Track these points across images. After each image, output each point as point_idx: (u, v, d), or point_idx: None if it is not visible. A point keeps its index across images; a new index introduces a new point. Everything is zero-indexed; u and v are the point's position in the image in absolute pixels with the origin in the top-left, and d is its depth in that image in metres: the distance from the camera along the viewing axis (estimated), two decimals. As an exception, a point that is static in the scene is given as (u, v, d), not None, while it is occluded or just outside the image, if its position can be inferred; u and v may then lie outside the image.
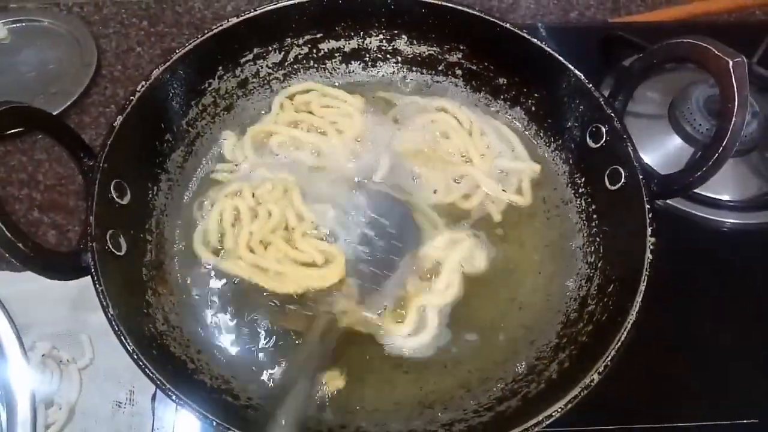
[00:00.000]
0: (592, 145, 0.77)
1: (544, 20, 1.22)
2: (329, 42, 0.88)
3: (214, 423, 0.56)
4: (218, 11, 1.21)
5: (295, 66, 0.89)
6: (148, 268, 0.72)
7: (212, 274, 0.74)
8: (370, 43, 0.89)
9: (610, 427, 0.77)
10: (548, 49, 0.78)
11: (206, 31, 0.78)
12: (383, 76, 0.92)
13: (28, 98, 1.02)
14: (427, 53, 0.89)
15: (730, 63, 0.62)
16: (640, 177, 0.69)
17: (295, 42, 0.87)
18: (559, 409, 0.57)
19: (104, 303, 0.59)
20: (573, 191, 0.81)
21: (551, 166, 0.84)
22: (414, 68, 0.91)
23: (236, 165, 0.82)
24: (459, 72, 0.89)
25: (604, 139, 0.75)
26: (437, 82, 0.91)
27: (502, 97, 0.88)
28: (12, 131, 0.98)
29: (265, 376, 0.68)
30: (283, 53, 0.87)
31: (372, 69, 0.92)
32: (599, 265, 0.74)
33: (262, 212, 0.77)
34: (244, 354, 0.70)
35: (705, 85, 0.97)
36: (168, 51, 0.77)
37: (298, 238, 0.75)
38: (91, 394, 0.80)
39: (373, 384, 0.69)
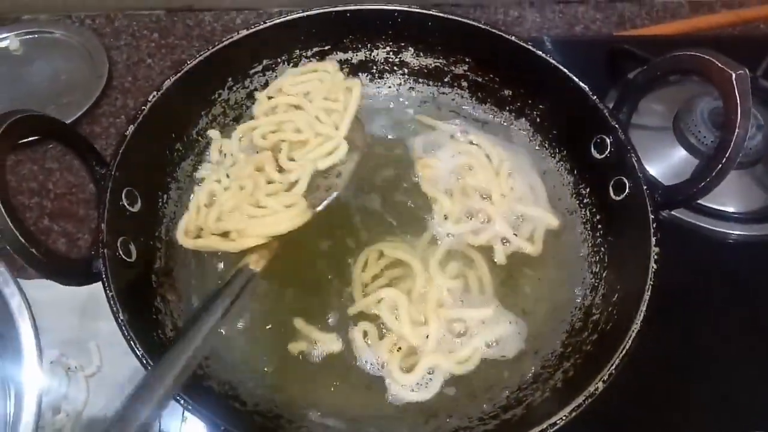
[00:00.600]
0: (597, 156, 0.77)
1: (549, 34, 1.23)
2: (337, 54, 0.89)
3: (222, 428, 0.57)
4: (228, 24, 1.22)
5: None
6: (158, 275, 0.73)
7: (219, 282, 0.75)
8: (378, 55, 0.91)
9: (615, 438, 0.77)
10: (553, 61, 0.79)
11: (217, 43, 0.79)
12: (390, 87, 0.93)
13: (40, 109, 0.99)
14: (433, 65, 0.90)
15: (733, 75, 0.63)
16: (644, 187, 0.69)
17: (304, 54, 0.88)
18: (564, 417, 0.57)
19: (114, 308, 0.60)
20: (578, 202, 0.82)
21: (556, 177, 0.85)
22: (420, 80, 0.92)
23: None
24: (465, 84, 0.90)
25: (608, 150, 0.75)
26: (443, 93, 0.92)
27: (507, 108, 0.89)
28: (26, 140, 1.00)
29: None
30: (291, 65, 0.88)
31: (379, 81, 0.93)
32: (604, 274, 0.74)
33: (233, 186, 0.76)
34: (252, 360, 0.71)
35: (709, 98, 0.98)
36: (178, 63, 0.78)
37: (262, 198, 0.73)
38: (98, 402, 0.80)
39: (377, 390, 0.70)
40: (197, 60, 0.78)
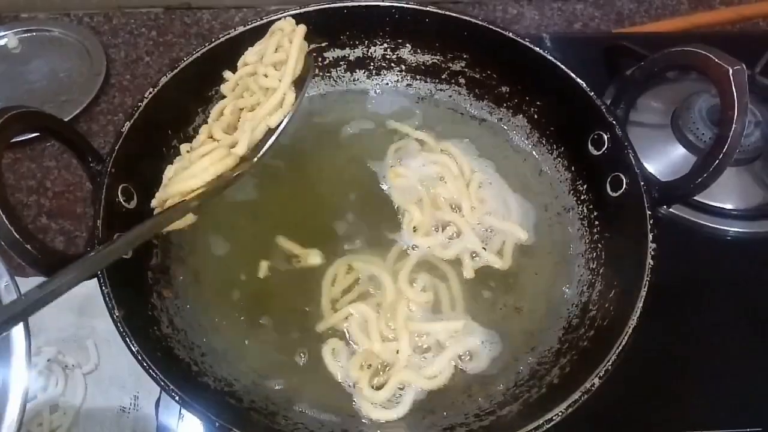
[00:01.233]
0: (594, 152, 0.77)
1: (548, 31, 1.23)
2: (334, 51, 0.90)
3: (218, 424, 0.56)
4: (226, 22, 1.22)
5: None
6: (154, 272, 0.73)
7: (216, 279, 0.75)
8: (375, 51, 0.90)
9: (612, 435, 0.77)
10: (550, 58, 0.79)
11: (213, 40, 0.79)
12: (387, 84, 0.93)
13: (38, 107, 1.01)
14: (430, 62, 0.90)
15: (730, 70, 0.63)
16: (642, 184, 0.69)
17: (300, 50, 0.88)
18: (560, 413, 0.57)
19: (110, 305, 0.60)
20: (575, 198, 0.82)
21: (553, 174, 0.85)
22: (418, 77, 0.92)
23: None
24: (462, 80, 0.90)
25: (605, 147, 0.75)
26: (441, 90, 0.92)
27: (504, 105, 0.89)
28: (23, 137, 1.00)
29: (268, 379, 0.69)
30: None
31: (376, 77, 0.93)
32: (601, 271, 0.74)
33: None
34: (248, 357, 0.71)
35: (708, 95, 0.97)
36: (176, 61, 0.77)
37: (196, 158, 0.67)
38: (96, 399, 0.80)
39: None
40: (194, 57, 0.78)
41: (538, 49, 0.80)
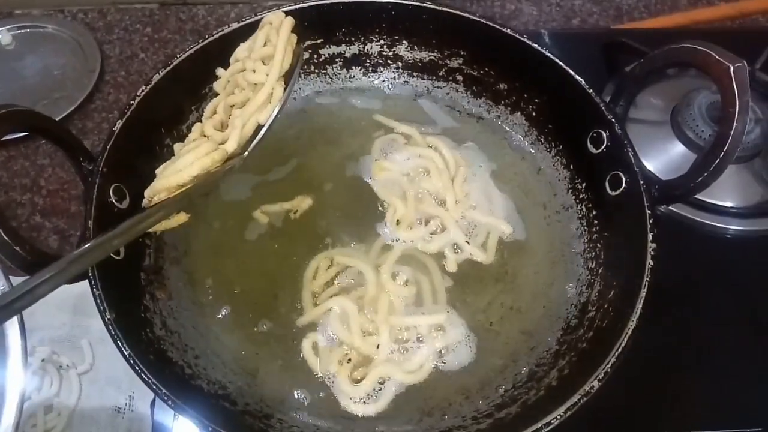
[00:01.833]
0: (593, 150, 0.77)
1: (546, 27, 1.22)
2: (330, 47, 0.89)
3: (211, 429, 0.56)
4: (222, 18, 1.21)
5: (295, 71, 0.89)
6: (147, 273, 0.72)
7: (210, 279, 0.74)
8: (371, 48, 0.90)
9: (612, 436, 0.76)
10: (549, 55, 0.78)
11: (207, 36, 0.78)
12: (384, 81, 0.92)
13: (32, 103, 1.03)
14: (427, 59, 0.89)
15: (731, 68, 0.62)
16: (641, 182, 0.68)
17: (296, 47, 0.87)
18: (559, 416, 0.57)
19: (101, 307, 0.59)
20: (573, 197, 0.81)
21: (552, 172, 0.84)
22: (415, 74, 0.91)
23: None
24: (460, 77, 0.89)
25: (605, 145, 0.75)
26: (438, 87, 0.91)
27: (503, 102, 0.88)
28: (14, 136, 0.99)
29: (260, 379, 0.69)
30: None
31: (373, 74, 0.92)
32: (600, 271, 0.73)
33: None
34: (242, 359, 0.70)
35: (707, 91, 0.97)
36: (171, 57, 0.77)
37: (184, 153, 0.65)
38: (91, 400, 0.80)
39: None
40: (187, 54, 0.77)
41: (536, 45, 0.79)
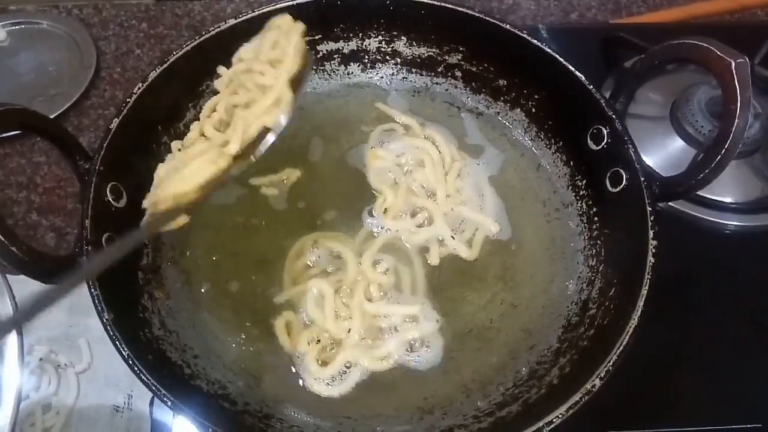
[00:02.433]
0: (593, 147, 0.76)
1: (544, 22, 1.22)
2: (328, 43, 0.88)
3: (211, 430, 0.55)
4: (218, 13, 1.20)
5: (293, 68, 0.88)
6: (145, 272, 0.72)
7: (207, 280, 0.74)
8: (369, 44, 0.89)
9: (612, 432, 0.76)
10: (548, 50, 0.77)
11: (204, 33, 0.78)
12: (382, 77, 0.91)
13: (27, 101, 1.02)
14: (426, 55, 0.89)
15: (733, 63, 0.61)
16: (642, 179, 0.68)
17: (294, 43, 0.86)
18: (560, 415, 0.57)
19: (99, 308, 0.59)
20: (574, 194, 0.81)
21: (552, 169, 0.84)
22: (413, 70, 0.91)
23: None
24: (459, 73, 0.89)
25: (605, 141, 0.74)
26: (437, 83, 0.90)
27: (502, 98, 0.87)
28: (8, 134, 0.98)
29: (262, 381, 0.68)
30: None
31: (371, 71, 0.91)
32: (600, 268, 0.73)
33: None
34: (242, 359, 0.70)
35: (707, 87, 0.96)
36: (167, 53, 0.76)
37: (188, 159, 0.63)
38: (89, 399, 0.79)
39: (374, 389, 0.69)
40: (184, 50, 0.76)
41: (536, 41, 0.78)
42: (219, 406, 0.63)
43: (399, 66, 0.91)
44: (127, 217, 0.69)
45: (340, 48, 0.89)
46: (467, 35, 0.84)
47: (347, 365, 0.69)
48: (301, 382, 0.68)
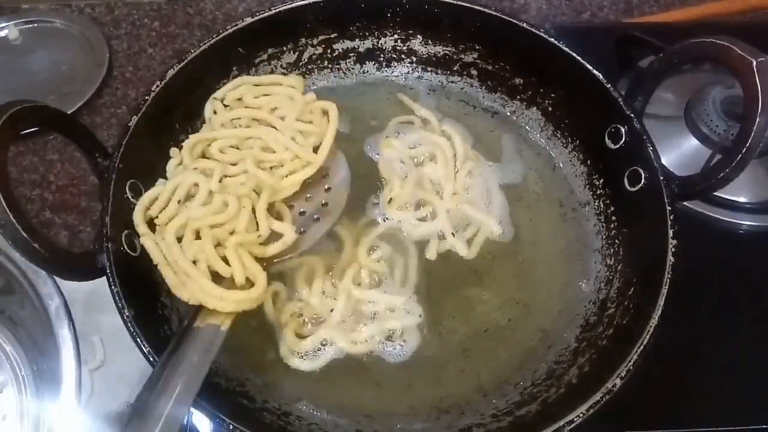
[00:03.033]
0: (611, 146, 0.76)
1: (556, 21, 1.22)
2: (344, 42, 0.88)
3: (231, 427, 0.55)
4: (230, 12, 1.20)
5: (309, 66, 0.89)
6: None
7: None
8: (385, 43, 0.89)
9: (626, 432, 0.76)
10: (566, 49, 0.77)
11: (221, 31, 0.78)
12: (398, 76, 0.91)
13: (40, 99, 0.99)
14: (442, 53, 0.89)
15: (754, 63, 0.61)
16: (661, 179, 0.68)
17: (310, 42, 0.86)
18: (581, 414, 0.57)
19: (120, 304, 0.59)
20: (591, 193, 0.80)
21: (568, 168, 0.83)
22: (429, 68, 0.90)
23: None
24: (474, 72, 0.89)
25: (623, 140, 0.74)
26: (452, 82, 0.90)
27: (518, 97, 0.87)
28: (27, 131, 0.98)
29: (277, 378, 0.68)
30: (297, 53, 0.86)
31: (386, 69, 0.91)
32: (619, 267, 0.73)
33: (216, 200, 0.68)
34: (262, 356, 0.69)
35: (722, 86, 0.96)
36: (179, 52, 0.76)
37: (231, 248, 0.65)
38: (103, 396, 0.79)
39: (388, 387, 0.69)
40: (201, 49, 0.76)
41: (553, 39, 0.78)
42: (238, 404, 0.63)
43: (414, 64, 0.90)
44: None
45: (356, 46, 0.89)
46: (483, 34, 0.84)
47: (323, 342, 0.69)
48: (275, 354, 0.69)
